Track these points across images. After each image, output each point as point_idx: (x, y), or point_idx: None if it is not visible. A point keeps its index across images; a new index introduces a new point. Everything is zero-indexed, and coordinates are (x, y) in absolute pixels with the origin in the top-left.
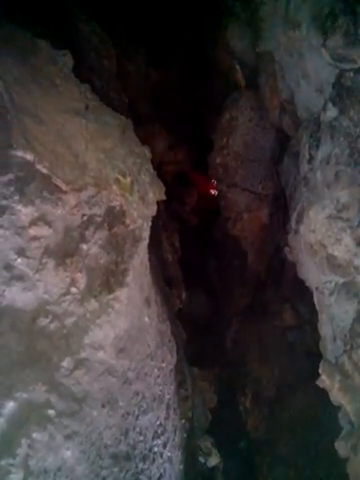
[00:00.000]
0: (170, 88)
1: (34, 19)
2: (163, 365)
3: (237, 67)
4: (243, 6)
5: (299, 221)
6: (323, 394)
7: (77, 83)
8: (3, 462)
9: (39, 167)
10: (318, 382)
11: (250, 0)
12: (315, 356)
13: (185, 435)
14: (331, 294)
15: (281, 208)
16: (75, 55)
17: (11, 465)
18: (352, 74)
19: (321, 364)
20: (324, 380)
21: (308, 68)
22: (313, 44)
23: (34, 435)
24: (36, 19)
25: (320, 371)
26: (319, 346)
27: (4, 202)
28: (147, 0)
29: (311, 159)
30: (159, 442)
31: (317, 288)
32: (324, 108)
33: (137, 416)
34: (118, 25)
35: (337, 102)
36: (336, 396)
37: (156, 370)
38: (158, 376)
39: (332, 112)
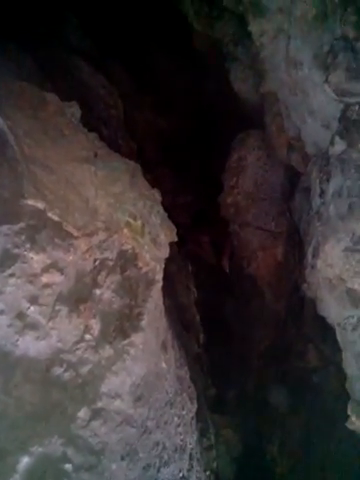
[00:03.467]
0: (178, 134)
1: (42, 74)
2: (183, 413)
3: (242, 108)
4: (244, 50)
5: (315, 256)
6: (355, 437)
7: (85, 132)
8: None
9: (50, 214)
10: (347, 424)
11: (251, 44)
12: (343, 397)
13: None
14: (354, 329)
15: (296, 244)
16: (83, 106)
17: None
18: (357, 107)
19: (349, 405)
20: (354, 422)
21: (313, 105)
22: (316, 81)
23: None
24: (44, 74)
25: (349, 412)
26: (346, 386)
27: (16, 250)
28: (151, 51)
29: (322, 193)
30: None
31: (339, 324)
32: (332, 142)
33: (158, 468)
34: (125, 76)
35: (344, 135)
36: None
37: (176, 418)
38: (179, 425)
39: (340, 146)
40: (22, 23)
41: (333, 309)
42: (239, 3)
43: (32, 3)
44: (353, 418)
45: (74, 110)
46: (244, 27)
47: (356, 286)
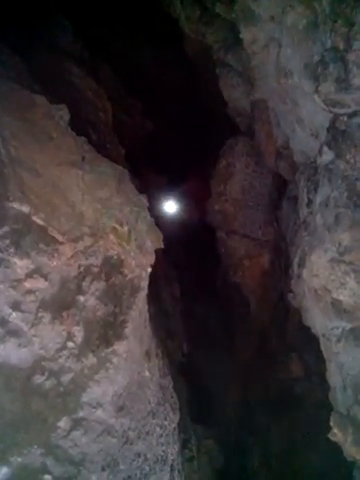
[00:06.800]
0: (166, 137)
1: (32, 76)
2: (165, 423)
3: (232, 114)
4: (235, 57)
5: (301, 266)
6: (337, 449)
7: (73, 136)
8: None
9: (35, 219)
10: (330, 435)
11: (242, 51)
12: (326, 409)
13: None
14: (338, 341)
15: (282, 253)
16: (72, 109)
17: None
18: (346, 118)
19: (332, 416)
20: (336, 433)
21: (302, 114)
22: (306, 91)
23: None
24: (34, 76)
25: (331, 424)
26: (329, 397)
27: None
28: (141, 55)
29: (310, 203)
30: None
31: (323, 335)
32: (320, 152)
33: None
34: (114, 80)
35: (333, 146)
36: (349, 451)
37: (158, 429)
38: (160, 435)
39: (328, 156)
40: (12, 25)
41: (318, 319)
42: (231, 10)
43: (23, 5)
44: (335, 430)
45: (63, 113)
46: (235, 34)
47: (341, 297)
